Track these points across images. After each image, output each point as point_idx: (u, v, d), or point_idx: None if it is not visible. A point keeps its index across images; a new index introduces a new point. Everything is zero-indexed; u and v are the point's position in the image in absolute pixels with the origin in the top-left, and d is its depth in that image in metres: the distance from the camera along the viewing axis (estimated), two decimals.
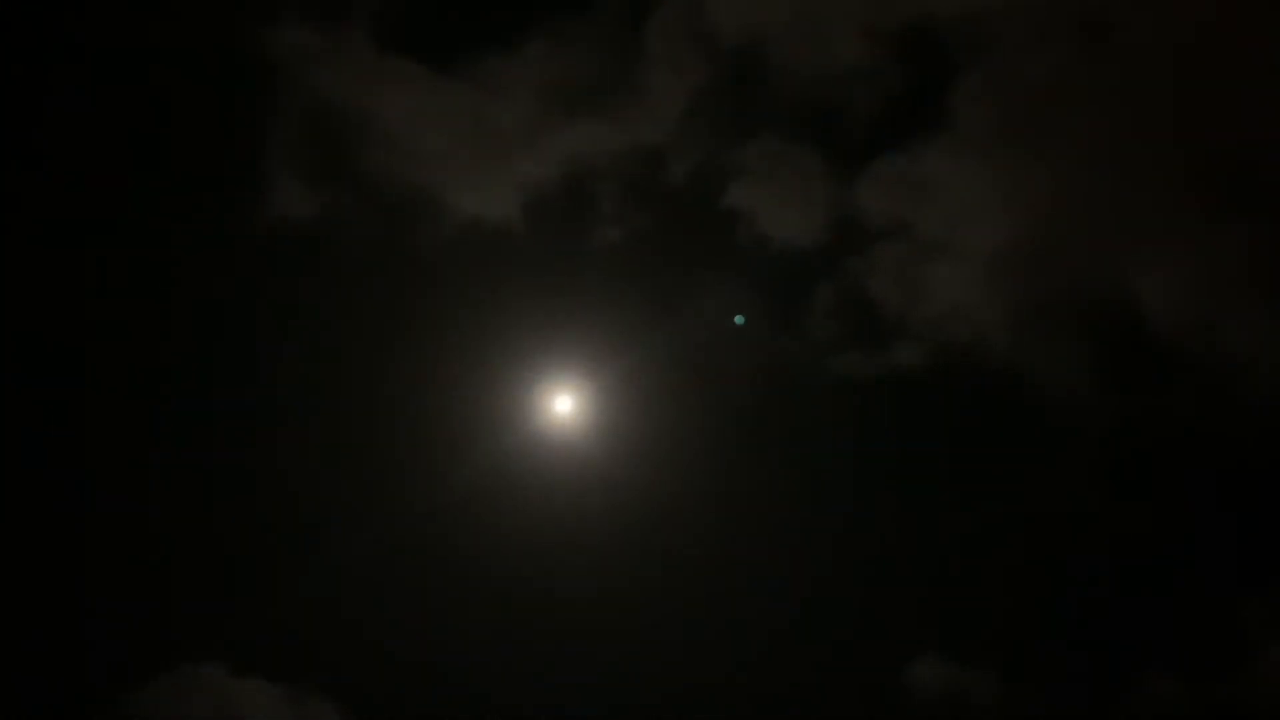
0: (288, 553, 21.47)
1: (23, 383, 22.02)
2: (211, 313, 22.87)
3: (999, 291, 22.22)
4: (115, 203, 22.71)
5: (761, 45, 23.18)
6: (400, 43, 23.28)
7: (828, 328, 22.66)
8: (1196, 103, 21.50)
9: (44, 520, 21.49)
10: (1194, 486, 21.20)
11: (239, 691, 21.15)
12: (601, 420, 22.03)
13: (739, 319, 22.42)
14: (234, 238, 22.94)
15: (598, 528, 21.31)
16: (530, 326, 22.32)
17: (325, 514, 21.60)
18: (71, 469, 21.85)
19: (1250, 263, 21.24)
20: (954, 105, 22.72)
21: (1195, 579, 20.67)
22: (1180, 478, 21.30)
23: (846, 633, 21.10)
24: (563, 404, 21.90)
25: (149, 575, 21.34)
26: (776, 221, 23.00)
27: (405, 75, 23.42)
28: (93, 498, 21.70)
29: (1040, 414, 21.76)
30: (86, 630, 20.97)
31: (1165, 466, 21.41)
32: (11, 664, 20.63)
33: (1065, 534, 21.13)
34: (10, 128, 22.83)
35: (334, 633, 21.10)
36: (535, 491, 21.53)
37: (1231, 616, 20.34)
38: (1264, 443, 20.81)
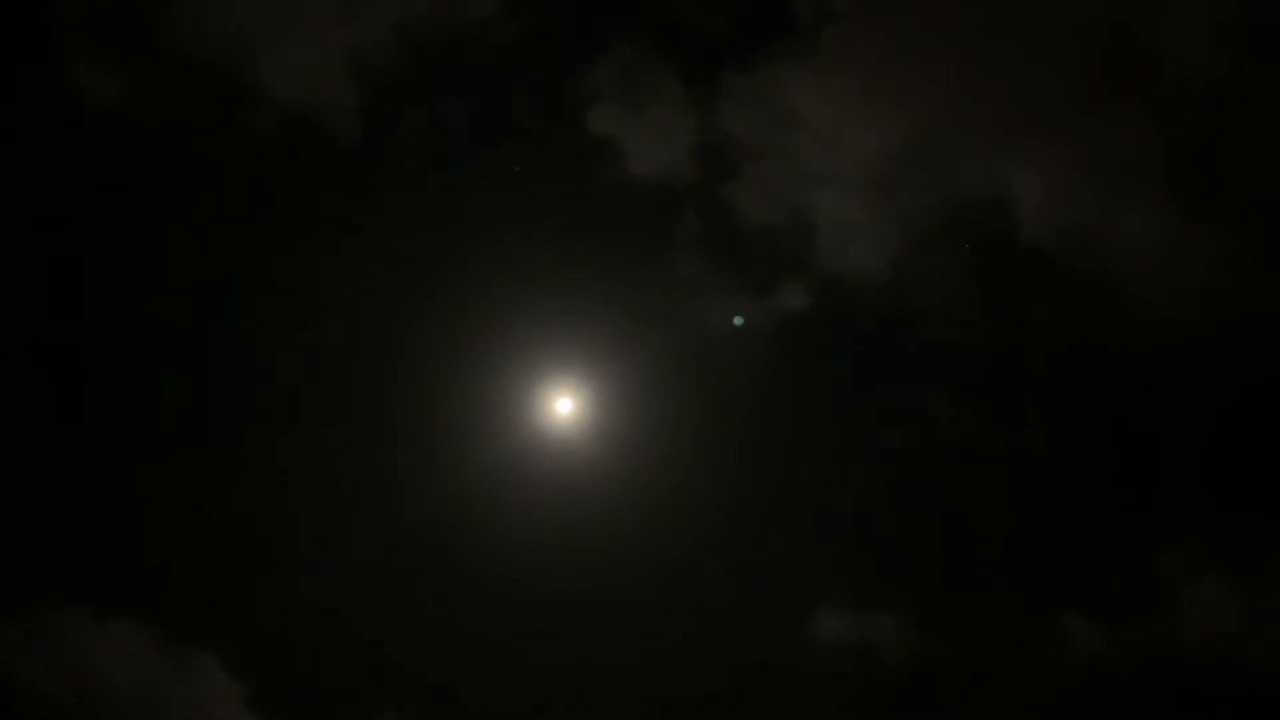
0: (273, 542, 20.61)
1: None
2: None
3: (874, 211, 20.86)
4: None
5: None
6: None
7: (698, 265, 21.24)
8: None
9: None
10: (1089, 408, 20.42)
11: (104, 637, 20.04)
12: (601, 420, 20.82)
13: (738, 320, 20.75)
14: (24, 116, 20.84)
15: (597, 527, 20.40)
16: (530, 325, 20.78)
17: (304, 503, 20.72)
18: None
19: (1130, 165, 19.98)
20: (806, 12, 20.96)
21: (1100, 511, 20.09)
22: (1078, 399, 20.49)
23: (742, 586, 20.38)
24: (563, 404, 20.82)
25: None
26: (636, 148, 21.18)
27: None
28: None
29: (928, 337, 20.76)
30: None
31: (1060, 386, 20.59)
32: None
33: (967, 471, 20.44)
34: None
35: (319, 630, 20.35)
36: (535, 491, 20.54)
37: (1144, 553, 19.88)
38: (1150, 348, 20.08)
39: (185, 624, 19.98)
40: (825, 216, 20.87)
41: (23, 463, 20.26)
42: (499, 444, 20.54)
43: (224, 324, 21.01)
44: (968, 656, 19.90)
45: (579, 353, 20.78)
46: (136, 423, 20.72)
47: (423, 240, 21.04)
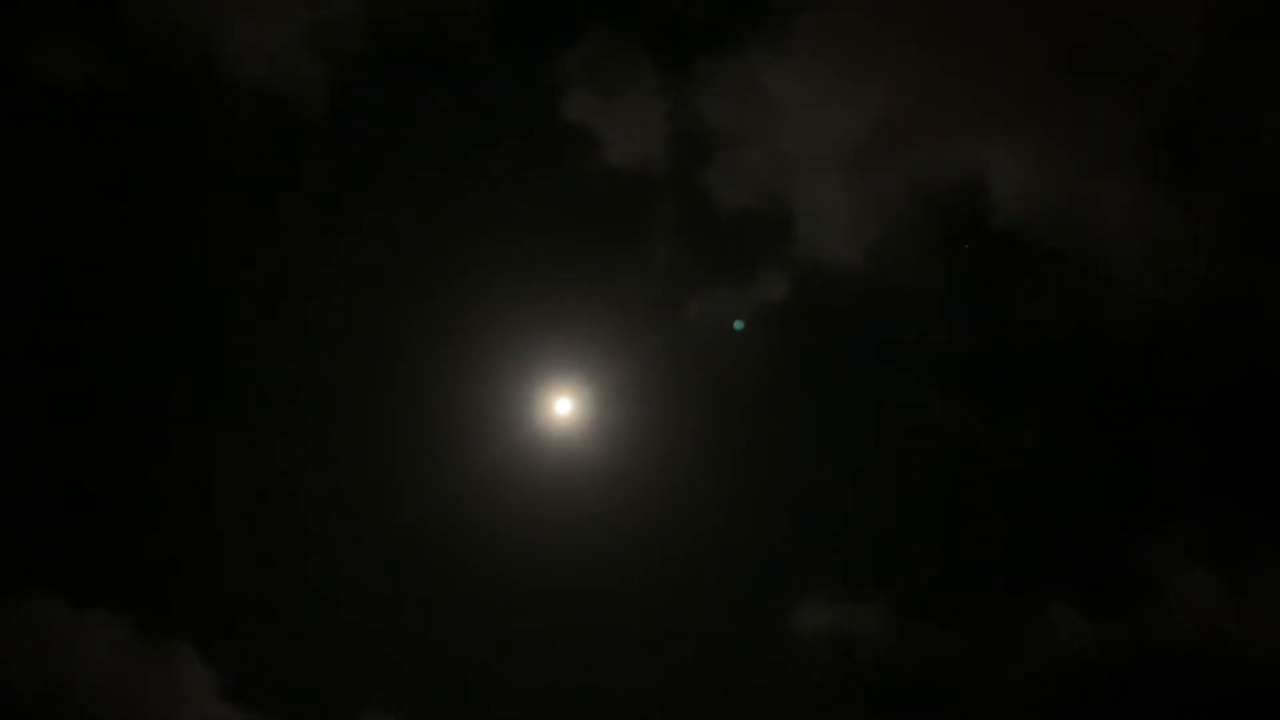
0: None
1: None
2: None
3: (851, 199, 20.61)
4: None
5: None
6: None
7: (677, 256, 21.02)
8: None
9: None
10: (1074, 397, 20.23)
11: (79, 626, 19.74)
12: (602, 420, 20.61)
13: (738, 324, 20.57)
14: None
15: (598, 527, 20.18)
16: (530, 325, 20.57)
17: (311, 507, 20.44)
18: None
19: (1111, 147, 19.80)
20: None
21: (1086, 501, 19.90)
22: (1063, 388, 20.32)
23: (725, 578, 20.12)
24: (563, 404, 20.60)
25: None
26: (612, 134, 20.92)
27: None
28: None
29: (910, 325, 20.53)
30: None
31: (1044, 374, 20.41)
32: None
33: (950, 459, 20.20)
34: None
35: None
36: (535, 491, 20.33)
37: (1130, 544, 19.64)
38: (1136, 335, 19.86)
39: (161, 614, 19.75)
40: (806, 203, 20.72)
41: None
42: (474, 433, 20.44)
43: (192, 310, 20.87)
44: (953, 648, 19.65)
45: (557, 341, 20.64)
46: (113, 412, 20.51)
47: (392, 227, 20.86)
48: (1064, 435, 20.21)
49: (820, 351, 21.02)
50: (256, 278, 20.84)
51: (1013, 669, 19.45)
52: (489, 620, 20.08)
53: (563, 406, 20.54)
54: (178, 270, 20.77)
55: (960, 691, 19.45)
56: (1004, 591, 19.93)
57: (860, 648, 19.70)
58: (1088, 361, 20.27)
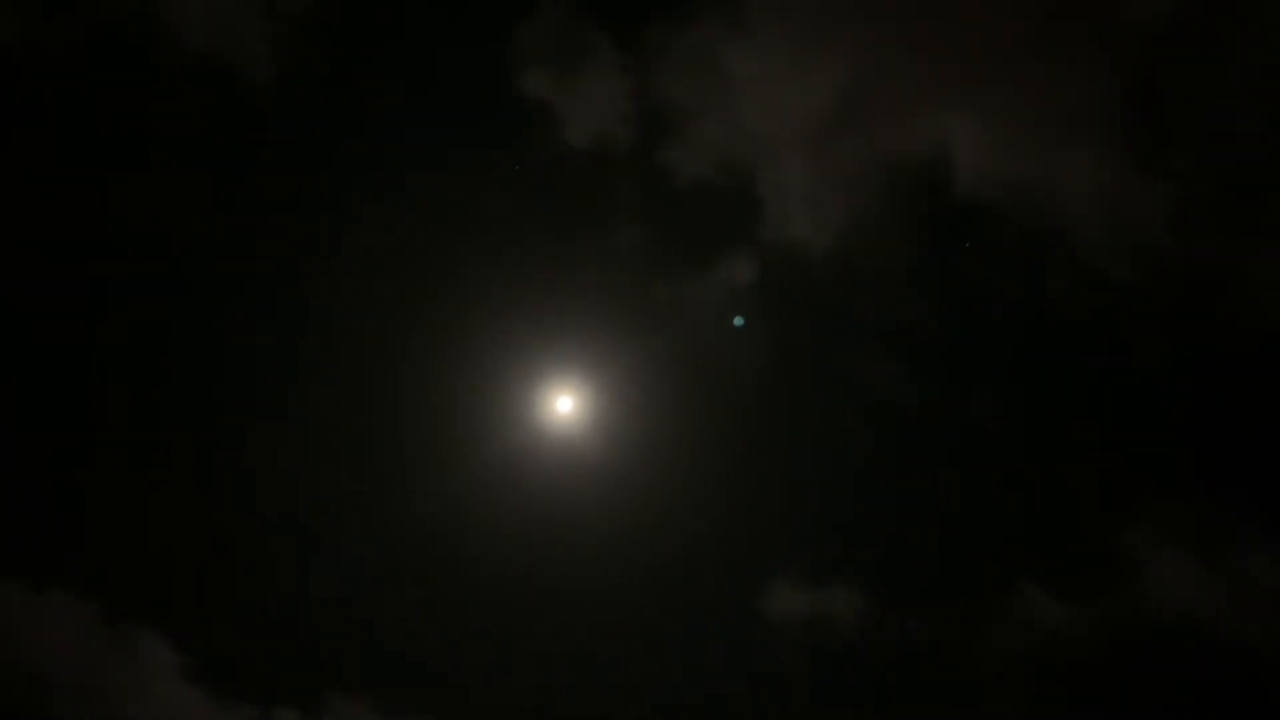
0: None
1: None
2: None
3: (820, 175, 20.29)
4: None
5: None
6: None
7: (644, 239, 20.63)
8: None
9: None
10: (1048, 376, 19.94)
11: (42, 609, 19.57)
12: (602, 419, 20.35)
13: (738, 320, 20.25)
14: None
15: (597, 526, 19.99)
16: (530, 325, 20.30)
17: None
18: None
19: (1078, 115, 19.42)
20: None
21: (1063, 477, 19.63)
22: (1037, 367, 20.00)
23: (691, 565, 19.90)
24: (563, 404, 20.37)
25: None
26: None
27: None
28: None
29: (880, 303, 20.20)
30: None
31: (1022, 354, 20.06)
32: None
33: (924, 441, 19.99)
34: None
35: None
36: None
37: (1104, 525, 19.40)
38: (1109, 313, 19.57)
39: (124, 597, 19.62)
40: (773, 181, 20.39)
41: None
42: (438, 424, 20.33)
43: (149, 285, 20.49)
44: (930, 632, 19.54)
45: (519, 324, 20.38)
46: (77, 397, 20.28)
47: (342, 208, 20.59)
48: (1039, 416, 19.98)
49: (793, 335, 20.72)
50: (204, 250, 20.58)
51: (989, 653, 19.29)
52: (457, 605, 20.04)
53: (531, 394, 20.35)
54: (128, 240, 20.46)
55: (937, 676, 19.33)
56: (980, 575, 19.71)
57: (837, 633, 19.59)
58: (1061, 340, 20.05)
